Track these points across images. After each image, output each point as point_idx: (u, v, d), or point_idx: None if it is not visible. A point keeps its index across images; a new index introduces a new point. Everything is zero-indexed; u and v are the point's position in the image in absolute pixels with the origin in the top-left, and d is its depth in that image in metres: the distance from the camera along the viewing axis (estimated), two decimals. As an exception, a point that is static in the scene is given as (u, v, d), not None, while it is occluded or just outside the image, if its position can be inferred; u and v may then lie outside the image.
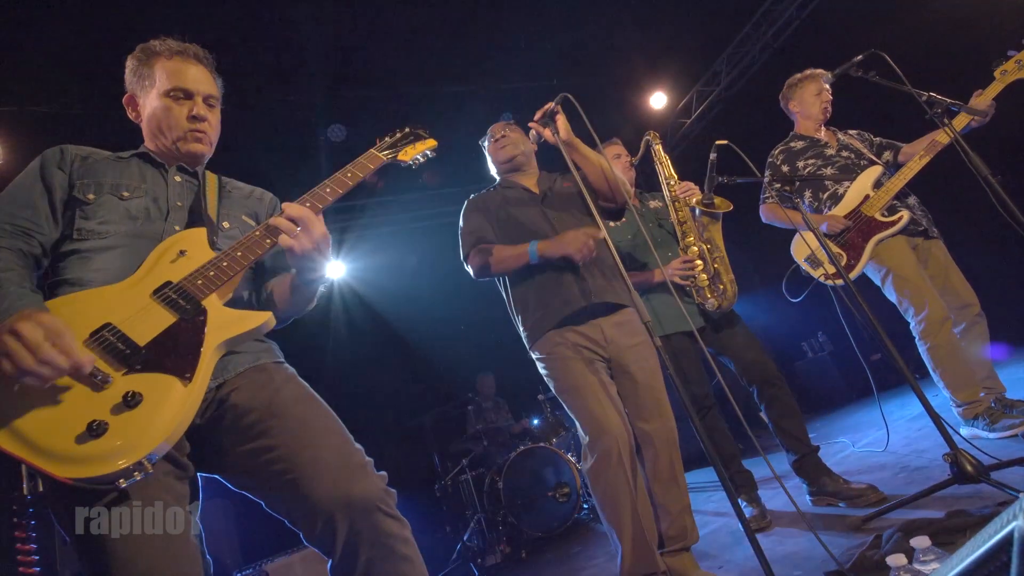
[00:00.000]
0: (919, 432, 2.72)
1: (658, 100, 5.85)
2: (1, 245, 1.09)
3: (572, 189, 2.19)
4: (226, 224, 1.33)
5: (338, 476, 1.08)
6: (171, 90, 1.31)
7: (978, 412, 2.33)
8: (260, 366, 1.21)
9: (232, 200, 1.41)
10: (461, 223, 2.16)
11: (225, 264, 1.14)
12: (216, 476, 1.18)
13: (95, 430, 0.90)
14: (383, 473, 1.15)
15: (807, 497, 2.29)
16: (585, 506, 4.16)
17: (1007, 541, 0.46)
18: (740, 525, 1.37)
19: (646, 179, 2.81)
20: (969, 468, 1.61)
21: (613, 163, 2.78)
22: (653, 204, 2.81)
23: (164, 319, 1.06)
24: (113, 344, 1.00)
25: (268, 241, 1.19)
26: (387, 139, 1.50)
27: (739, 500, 2.36)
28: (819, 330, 5.56)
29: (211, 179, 1.40)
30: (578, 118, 1.76)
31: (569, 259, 1.86)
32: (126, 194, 1.23)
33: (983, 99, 2.23)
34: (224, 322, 1.11)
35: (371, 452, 1.18)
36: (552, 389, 1.99)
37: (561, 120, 1.88)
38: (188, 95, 1.33)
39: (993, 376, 2.41)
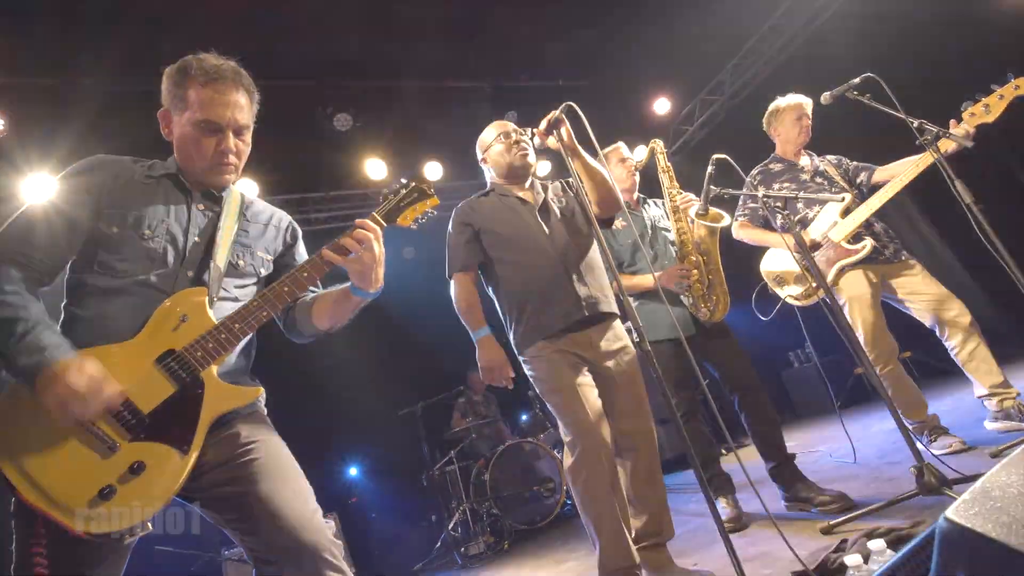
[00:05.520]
0: (893, 445, 2.81)
1: (662, 106, 5.91)
2: (15, 277, 1.15)
3: (567, 199, 2.25)
4: (241, 263, 1.39)
5: (294, 523, 1.18)
6: (201, 122, 1.30)
7: (923, 430, 2.53)
8: (233, 426, 1.28)
9: (249, 231, 1.44)
10: (451, 231, 2.20)
11: (223, 337, 1.24)
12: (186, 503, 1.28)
13: (105, 495, 1.07)
14: (331, 523, 1.24)
15: (782, 502, 2.38)
16: (568, 501, 4.24)
17: (931, 537, 0.53)
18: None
19: (647, 186, 2.88)
20: (933, 480, 1.70)
21: (617, 166, 2.84)
22: (654, 211, 2.88)
23: (165, 389, 1.18)
24: (121, 412, 1.13)
25: (264, 313, 1.29)
26: (390, 198, 1.45)
27: (717, 502, 2.44)
28: (806, 341, 5.64)
29: (233, 203, 1.43)
30: (581, 125, 1.82)
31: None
32: (147, 232, 1.27)
33: (961, 129, 2.28)
34: (220, 396, 1.23)
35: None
36: (537, 390, 2.06)
37: (565, 128, 1.94)
38: (218, 129, 1.32)
39: (1005, 383, 2.47)
